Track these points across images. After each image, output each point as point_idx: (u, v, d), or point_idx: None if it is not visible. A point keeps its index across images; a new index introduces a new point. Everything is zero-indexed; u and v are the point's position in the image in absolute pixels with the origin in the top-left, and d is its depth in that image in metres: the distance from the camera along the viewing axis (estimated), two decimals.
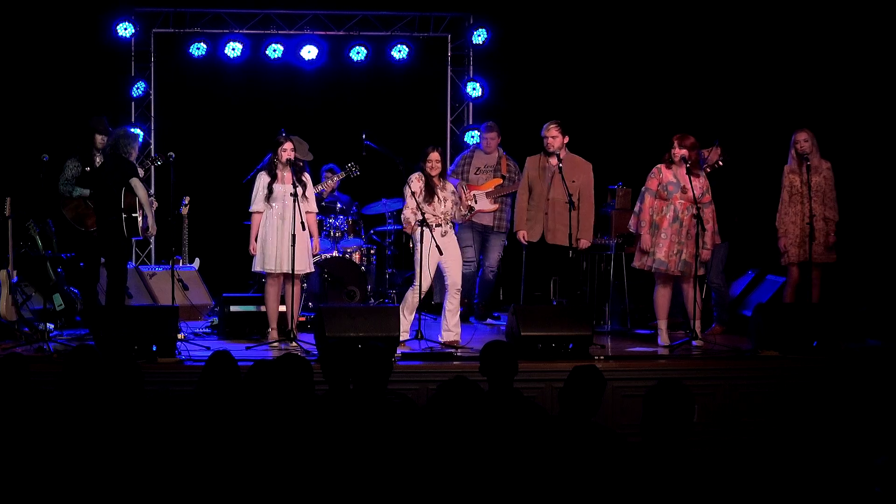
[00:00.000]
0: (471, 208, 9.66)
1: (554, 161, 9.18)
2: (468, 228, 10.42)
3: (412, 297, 8.84)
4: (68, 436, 5.03)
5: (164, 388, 7.31)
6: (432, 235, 8.63)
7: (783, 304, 9.19)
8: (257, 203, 8.70)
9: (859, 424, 7.75)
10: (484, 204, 10.32)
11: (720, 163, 9.46)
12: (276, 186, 8.67)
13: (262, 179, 8.70)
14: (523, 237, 9.37)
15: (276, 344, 8.68)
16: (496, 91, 12.00)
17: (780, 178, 9.24)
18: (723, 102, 11.33)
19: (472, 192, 10.35)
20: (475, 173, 10.42)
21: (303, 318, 9.34)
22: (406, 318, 8.76)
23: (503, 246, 10.44)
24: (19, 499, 4.82)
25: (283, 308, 8.98)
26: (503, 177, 10.35)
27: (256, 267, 8.78)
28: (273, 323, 8.82)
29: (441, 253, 8.70)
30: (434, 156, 8.92)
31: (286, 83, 11.94)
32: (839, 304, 9.03)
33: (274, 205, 8.67)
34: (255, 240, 8.72)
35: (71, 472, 4.86)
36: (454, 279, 8.86)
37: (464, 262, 10.44)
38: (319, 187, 10.01)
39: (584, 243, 9.25)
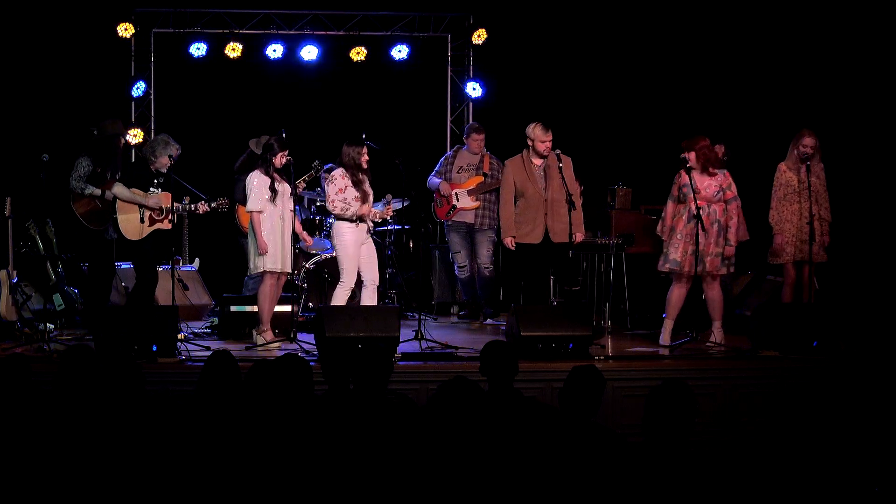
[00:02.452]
0: (452, 210, 9.73)
1: (540, 161, 9.22)
2: (454, 231, 10.45)
3: (342, 294, 8.87)
4: (68, 435, 5.03)
5: (164, 388, 7.31)
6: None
7: (783, 304, 9.18)
8: (260, 202, 8.64)
9: (859, 424, 7.75)
10: (466, 202, 10.34)
11: (724, 160, 9.46)
12: (277, 186, 8.66)
13: (262, 179, 8.67)
14: (511, 243, 9.34)
15: (276, 344, 8.66)
16: (496, 91, 12.00)
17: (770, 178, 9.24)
18: (722, 100, 11.34)
19: (455, 191, 10.38)
20: (457, 172, 10.46)
21: (303, 318, 9.33)
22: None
23: (492, 241, 10.43)
24: (20, 499, 4.82)
25: (279, 308, 9.00)
26: (485, 174, 10.38)
27: (265, 267, 8.68)
28: (267, 324, 8.79)
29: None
30: (364, 149, 9.00)
31: (286, 83, 11.94)
32: (839, 304, 9.03)
33: (275, 204, 8.66)
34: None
35: (71, 471, 4.86)
36: (373, 276, 8.98)
37: (457, 267, 10.50)
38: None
39: (580, 237, 9.30)
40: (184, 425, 5.15)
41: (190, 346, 8.36)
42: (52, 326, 8.87)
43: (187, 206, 9.16)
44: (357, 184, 8.89)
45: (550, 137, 9.28)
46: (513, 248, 9.35)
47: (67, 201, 9.29)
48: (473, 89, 12.02)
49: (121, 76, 11.68)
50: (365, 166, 8.97)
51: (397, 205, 10.97)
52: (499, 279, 10.89)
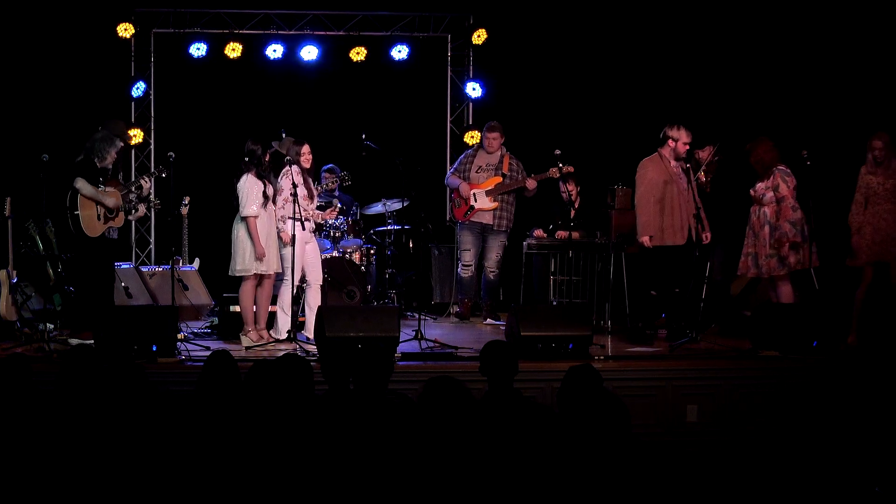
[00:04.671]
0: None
1: (675, 163, 9.15)
2: (467, 229, 10.42)
3: (287, 293, 8.87)
4: (68, 435, 5.03)
5: (164, 388, 7.30)
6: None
7: (783, 303, 9.19)
8: (255, 207, 8.59)
9: (859, 424, 7.75)
10: (484, 202, 10.32)
11: (714, 161, 9.50)
12: (268, 191, 8.66)
13: (257, 184, 8.64)
14: (648, 241, 9.05)
15: (273, 344, 8.67)
16: (496, 91, 12.01)
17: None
18: (722, 100, 11.33)
19: (473, 191, 10.35)
20: (476, 172, 10.42)
21: (302, 319, 9.33)
22: (285, 314, 8.87)
23: (503, 246, 10.41)
24: (21, 498, 4.82)
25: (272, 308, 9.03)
26: (503, 175, 10.34)
27: (256, 269, 8.67)
28: (251, 324, 8.78)
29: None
30: (306, 148, 9.00)
31: (286, 83, 11.94)
32: (839, 304, 9.03)
33: (267, 207, 8.66)
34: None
35: (71, 471, 4.86)
36: (316, 275, 8.99)
37: (462, 265, 10.47)
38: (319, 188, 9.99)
39: (708, 236, 9.28)
40: (184, 425, 5.15)
41: (190, 346, 8.36)
42: (52, 326, 8.86)
43: (132, 207, 8.97)
44: (306, 182, 8.91)
45: (691, 139, 9.20)
46: (649, 246, 9.08)
47: (63, 201, 9.24)
48: (473, 89, 12.02)
49: (121, 76, 11.68)
50: (306, 165, 8.97)
51: (397, 205, 10.98)
52: (500, 280, 10.88)
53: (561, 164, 9.90)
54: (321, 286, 9.21)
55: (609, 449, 4.71)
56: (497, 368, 5.70)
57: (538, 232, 10.64)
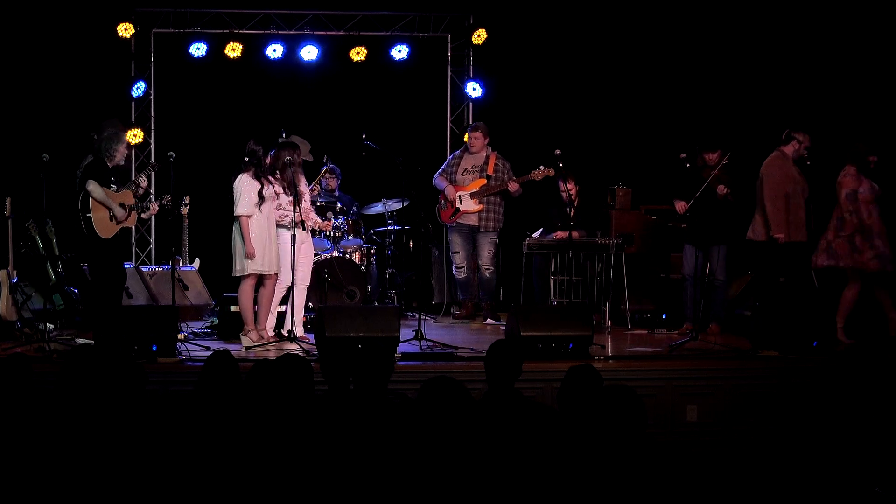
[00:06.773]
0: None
1: (792, 164, 9.17)
2: (456, 232, 10.44)
3: (279, 290, 8.88)
4: (68, 435, 5.03)
5: (164, 388, 7.31)
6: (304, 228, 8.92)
7: (783, 304, 9.19)
8: (250, 207, 8.57)
9: (859, 424, 7.75)
10: (469, 205, 10.32)
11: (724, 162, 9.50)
12: (265, 192, 8.63)
13: (252, 184, 8.62)
14: (782, 239, 9.05)
15: (273, 344, 8.67)
16: (496, 91, 12.01)
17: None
18: (723, 100, 11.34)
19: (458, 193, 10.35)
20: (461, 174, 10.42)
21: (304, 318, 9.33)
22: (272, 314, 8.88)
23: (494, 244, 10.41)
24: (21, 498, 4.82)
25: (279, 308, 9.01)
26: (488, 177, 10.33)
27: (251, 269, 8.66)
28: (251, 324, 8.76)
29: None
30: (298, 150, 8.98)
31: (286, 83, 11.95)
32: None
33: (264, 208, 8.65)
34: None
35: (71, 471, 4.86)
36: (302, 275, 8.95)
37: (455, 267, 10.49)
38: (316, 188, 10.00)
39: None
40: (184, 425, 5.15)
41: (190, 346, 8.36)
42: (52, 326, 8.85)
43: (144, 206, 8.88)
44: (291, 185, 8.84)
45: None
46: (781, 243, 9.06)
47: (75, 203, 9.21)
48: (473, 89, 12.02)
49: (121, 76, 11.69)
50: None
51: (397, 205, 10.99)
52: (499, 280, 10.89)
53: (543, 167, 9.93)
54: (315, 287, 9.17)
55: (625, 448, 4.70)
56: (500, 369, 5.69)
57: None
